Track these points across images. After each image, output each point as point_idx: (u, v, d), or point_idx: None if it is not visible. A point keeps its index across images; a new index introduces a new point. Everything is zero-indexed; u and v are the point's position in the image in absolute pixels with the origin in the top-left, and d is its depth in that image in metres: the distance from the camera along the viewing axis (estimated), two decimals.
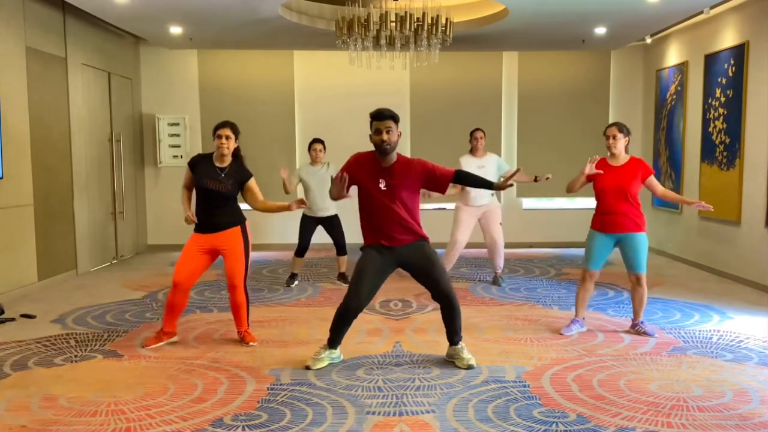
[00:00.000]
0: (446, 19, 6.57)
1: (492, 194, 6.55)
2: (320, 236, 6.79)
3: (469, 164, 6.20)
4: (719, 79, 7.21)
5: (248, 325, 4.71)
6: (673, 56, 8.45)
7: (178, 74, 9.32)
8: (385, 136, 3.92)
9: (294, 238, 6.70)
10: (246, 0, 6.42)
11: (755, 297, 6.15)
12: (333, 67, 9.24)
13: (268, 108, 9.33)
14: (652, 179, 4.75)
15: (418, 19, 6.55)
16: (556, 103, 9.47)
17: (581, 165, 4.80)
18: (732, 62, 6.94)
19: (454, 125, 8.97)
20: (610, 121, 9.15)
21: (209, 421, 3.29)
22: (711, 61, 7.40)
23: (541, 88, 9.47)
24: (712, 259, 7.42)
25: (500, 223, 6.63)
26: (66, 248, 7.18)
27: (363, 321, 5.26)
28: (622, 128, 4.79)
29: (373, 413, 3.37)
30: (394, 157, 4.02)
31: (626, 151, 4.81)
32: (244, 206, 4.67)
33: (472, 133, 6.54)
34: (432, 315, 5.34)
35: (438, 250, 4.39)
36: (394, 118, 3.97)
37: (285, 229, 8.76)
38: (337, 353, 4.21)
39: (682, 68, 8.12)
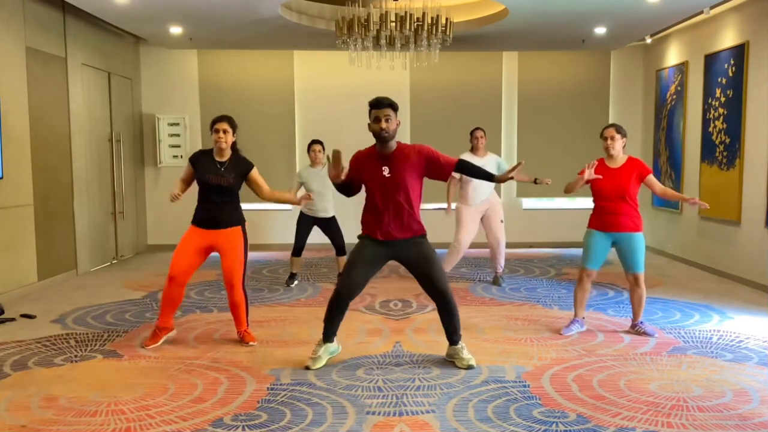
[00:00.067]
0: (446, 19, 6.57)
1: (491, 192, 6.54)
2: (321, 236, 6.79)
3: None
4: (719, 79, 7.21)
5: (248, 325, 4.71)
6: (673, 56, 8.45)
7: (178, 74, 9.32)
8: (384, 124, 3.91)
9: (293, 238, 6.70)
10: (246, 0, 6.42)
11: (755, 297, 6.15)
12: (333, 67, 9.24)
13: (268, 108, 9.33)
14: (651, 178, 4.75)
15: (418, 19, 6.55)
16: (556, 103, 9.47)
17: (581, 165, 4.79)
18: (732, 62, 6.94)
19: (454, 125, 8.97)
20: (610, 122, 9.17)
21: (209, 421, 3.28)
22: (711, 61, 7.40)
23: (541, 88, 9.47)
24: (712, 259, 7.42)
25: (501, 221, 6.62)
26: (66, 248, 7.18)
27: (363, 321, 5.27)
28: (619, 129, 4.79)
29: (373, 413, 3.37)
30: (393, 145, 4.01)
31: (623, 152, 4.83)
32: (244, 207, 4.68)
33: (472, 133, 6.53)
34: (432, 315, 5.33)
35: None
36: (393, 107, 3.96)
37: (285, 229, 8.75)
38: (334, 346, 4.20)
39: (682, 68, 8.12)
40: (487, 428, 3.19)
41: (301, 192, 6.81)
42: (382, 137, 3.95)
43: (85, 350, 4.50)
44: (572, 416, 3.32)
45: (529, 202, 9.74)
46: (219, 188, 4.47)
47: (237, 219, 4.57)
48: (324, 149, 6.62)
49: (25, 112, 6.35)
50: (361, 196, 4.22)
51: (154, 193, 9.37)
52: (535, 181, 6.16)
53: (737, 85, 6.83)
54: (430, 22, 6.53)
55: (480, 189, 6.43)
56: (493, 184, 6.35)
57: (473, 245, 7.26)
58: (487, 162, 6.38)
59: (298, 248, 6.65)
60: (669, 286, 6.66)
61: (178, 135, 9.30)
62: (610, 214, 4.73)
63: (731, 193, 6.89)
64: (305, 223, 6.63)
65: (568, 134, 9.42)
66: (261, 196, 4.69)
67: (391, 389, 3.72)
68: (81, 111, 7.51)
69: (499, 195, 7.95)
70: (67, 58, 7.22)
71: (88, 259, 7.68)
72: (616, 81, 9.54)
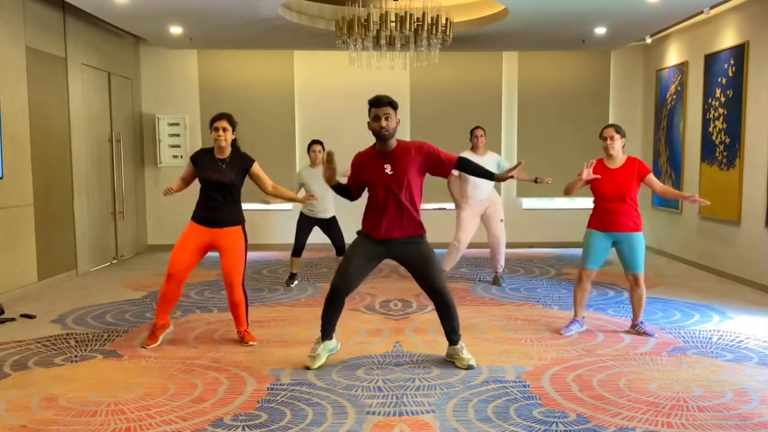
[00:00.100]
0: (446, 19, 6.57)
1: (491, 191, 6.54)
2: (321, 236, 6.79)
3: None
4: (719, 79, 7.21)
5: (248, 325, 4.71)
6: (673, 56, 8.45)
7: (178, 74, 9.32)
8: (383, 123, 3.91)
9: (293, 238, 6.69)
10: (246, 0, 6.42)
11: (755, 297, 6.15)
12: (333, 67, 9.24)
13: (268, 108, 9.33)
14: (651, 177, 4.75)
15: (418, 19, 6.55)
16: (556, 103, 9.47)
17: (581, 166, 4.79)
18: (732, 62, 6.94)
19: (454, 125, 8.96)
20: (610, 122, 9.17)
21: (209, 421, 3.28)
22: (711, 61, 7.40)
23: (541, 88, 9.47)
24: (712, 259, 7.42)
25: (501, 220, 6.62)
26: (66, 248, 7.18)
27: (363, 321, 5.27)
28: (618, 129, 4.79)
29: (373, 413, 3.37)
30: (393, 143, 4.01)
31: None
32: (244, 207, 4.68)
33: (472, 131, 6.55)
34: (432, 315, 5.33)
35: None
36: (393, 105, 3.97)
37: (285, 229, 8.75)
38: (333, 344, 4.20)
39: (682, 68, 8.12)
40: (487, 428, 3.19)
41: (302, 193, 6.82)
42: (381, 135, 3.95)
43: (85, 350, 4.50)
44: (572, 416, 3.32)
45: (529, 202, 9.73)
46: (221, 185, 4.47)
47: (237, 218, 4.57)
48: (324, 149, 6.61)
49: (25, 112, 6.35)
50: (361, 197, 4.23)
51: (154, 193, 9.36)
52: (535, 180, 6.18)
53: (737, 85, 6.83)
54: (430, 22, 6.53)
55: (480, 187, 6.44)
56: (492, 183, 6.36)
57: (473, 245, 7.27)
58: (487, 160, 6.38)
59: (298, 248, 6.65)
60: (669, 286, 6.66)
61: (178, 135, 9.30)
62: (610, 215, 4.73)
63: (731, 193, 6.89)
64: (305, 223, 6.64)
65: (568, 134, 9.42)
66: (266, 191, 4.71)
67: (391, 389, 3.72)
68: (81, 111, 7.51)
69: (499, 194, 7.94)
70: (67, 58, 7.22)
71: (88, 259, 7.68)
72: (616, 81, 9.54)
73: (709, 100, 7.42)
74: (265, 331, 4.97)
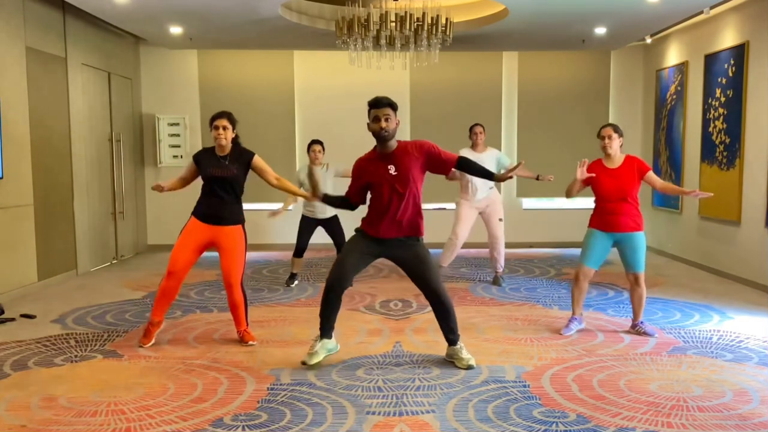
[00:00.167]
0: (446, 19, 6.57)
1: (491, 187, 6.54)
2: (321, 236, 6.78)
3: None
4: (719, 79, 7.21)
5: (248, 325, 4.71)
6: (673, 56, 8.45)
7: (178, 74, 9.32)
8: (383, 124, 3.92)
9: (294, 238, 6.70)
10: (246, 0, 6.42)
11: (755, 297, 6.15)
12: (333, 67, 9.24)
13: (268, 108, 9.33)
14: (651, 174, 4.74)
15: (418, 19, 6.55)
16: (556, 103, 9.46)
17: None
18: (732, 62, 6.94)
19: (454, 125, 8.96)
20: (611, 122, 9.17)
21: (209, 421, 3.29)
22: (711, 61, 7.40)
23: (541, 88, 9.46)
24: (712, 259, 7.42)
25: (500, 219, 6.62)
26: (66, 248, 7.18)
27: (363, 321, 5.27)
28: (616, 128, 4.79)
29: (373, 413, 3.37)
30: (394, 144, 4.02)
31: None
32: (245, 207, 4.68)
33: (471, 128, 6.58)
34: (432, 315, 5.32)
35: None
36: (392, 106, 3.97)
37: (285, 229, 8.74)
38: (332, 343, 4.20)
39: (682, 68, 8.12)
40: (487, 428, 3.19)
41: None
42: (381, 137, 3.96)
43: (85, 350, 4.50)
44: (572, 416, 3.32)
45: (529, 202, 9.73)
46: (224, 180, 4.47)
47: (238, 217, 4.58)
48: (324, 149, 6.61)
49: (25, 112, 6.34)
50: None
51: (154, 193, 9.32)
52: (537, 178, 6.21)
53: (737, 85, 6.83)
54: (430, 22, 6.53)
55: (480, 187, 6.44)
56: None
57: (473, 245, 7.27)
58: (487, 157, 6.40)
59: (299, 249, 6.65)
60: (669, 286, 6.65)
61: (178, 135, 9.30)
62: (611, 215, 4.72)
63: (731, 193, 6.89)
64: (307, 225, 6.63)
65: (568, 134, 9.42)
66: (270, 184, 4.64)
67: (391, 389, 3.72)
68: (81, 111, 7.51)
69: (499, 190, 7.93)
70: (67, 58, 7.22)
71: (88, 259, 7.68)
72: (616, 81, 9.54)
73: (709, 100, 7.42)
74: (265, 331, 4.97)
